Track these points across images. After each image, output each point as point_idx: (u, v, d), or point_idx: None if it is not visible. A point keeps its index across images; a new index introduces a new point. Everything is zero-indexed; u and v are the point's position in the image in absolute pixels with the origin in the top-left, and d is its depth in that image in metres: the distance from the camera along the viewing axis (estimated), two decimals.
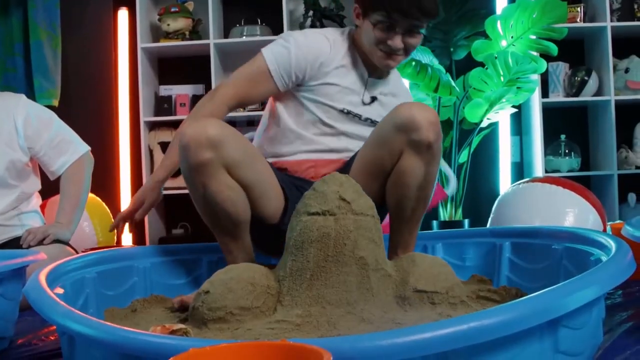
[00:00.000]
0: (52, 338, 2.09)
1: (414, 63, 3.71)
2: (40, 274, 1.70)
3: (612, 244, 1.68)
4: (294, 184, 2.20)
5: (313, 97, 2.24)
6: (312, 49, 2.21)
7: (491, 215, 3.18)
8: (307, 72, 2.21)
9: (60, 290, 1.71)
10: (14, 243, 2.77)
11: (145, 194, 2.25)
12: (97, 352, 1.35)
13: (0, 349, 1.93)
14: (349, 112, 2.26)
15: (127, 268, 2.26)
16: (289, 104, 2.28)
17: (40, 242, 2.70)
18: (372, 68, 2.29)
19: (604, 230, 2.86)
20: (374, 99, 2.31)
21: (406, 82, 3.99)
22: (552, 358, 1.27)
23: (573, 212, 2.87)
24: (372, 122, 2.29)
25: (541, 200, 2.93)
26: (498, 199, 3.26)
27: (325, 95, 2.24)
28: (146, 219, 4.37)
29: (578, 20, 4.40)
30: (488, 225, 3.20)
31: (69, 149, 2.92)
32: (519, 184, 3.16)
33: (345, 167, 2.21)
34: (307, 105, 2.25)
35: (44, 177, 2.99)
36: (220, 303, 1.71)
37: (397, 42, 2.14)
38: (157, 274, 2.32)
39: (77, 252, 2.79)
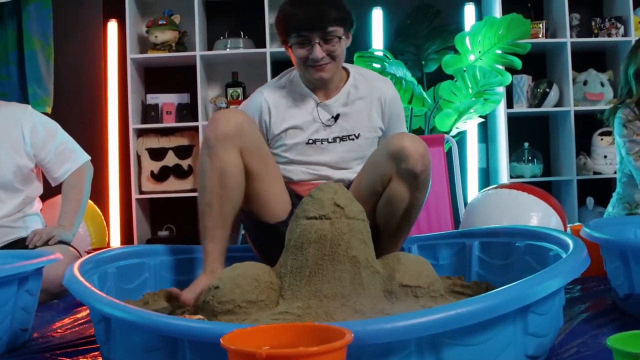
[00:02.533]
0: (68, 332, 2.20)
1: (389, 77, 3.84)
2: (74, 267, 1.88)
3: (569, 241, 1.88)
4: (297, 197, 2.37)
5: (281, 149, 2.43)
6: (252, 111, 2.42)
7: (462, 220, 3.33)
8: (263, 131, 2.41)
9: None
10: (19, 244, 2.88)
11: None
12: (137, 337, 1.51)
13: (22, 341, 2.04)
14: (314, 142, 2.42)
15: (140, 265, 2.42)
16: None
17: (46, 243, 2.82)
18: (319, 93, 2.43)
19: (565, 231, 3.04)
20: (337, 117, 2.43)
21: None
22: (523, 339, 1.47)
23: (537, 215, 3.00)
24: (343, 138, 2.44)
25: (508, 206, 3.05)
26: (468, 204, 3.40)
27: (289, 138, 2.42)
28: (134, 221, 4.51)
29: (540, 36, 4.55)
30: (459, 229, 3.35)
31: (71, 158, 3.04)
32: (487, 190, 3.26)
33: None
34: (282, 159, 2.44)
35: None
36: (229, 297, 1.86)
37: (316, 53, 2.26)
38: (165, 270, 2.48)
39: (78, 252, 2.94)
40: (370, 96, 2.47)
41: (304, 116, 2.42)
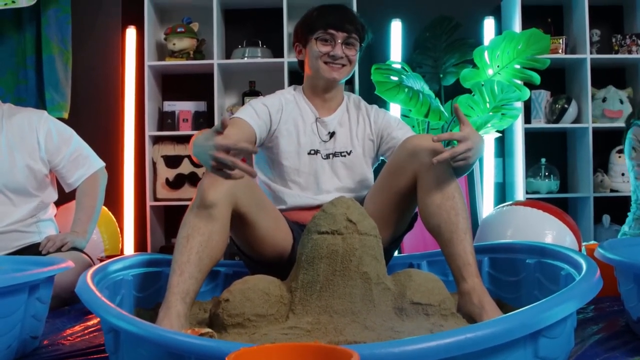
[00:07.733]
0: (78, 340, 2.20)
1: (406, 90, 3.85)
2: (88, 275, 1.88)
3: (581, 261, 1.87)
4: (299, 227, 2.40)
5: (277, 153, 2.54)
6: (271, 103, 2.55)
7: (476, 236, 3.32)
8: (267, 126, 2.52)
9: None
10: (32, 249, 2.89)
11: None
12: (144, 350, 1.50)
13: (32, 348, 2.05)
14: (315, 152, 2.55)
15: (156, 273, 2.43)
16: (264, 166, 2.61)
17: (59, 249, 2.83)
18: (319, 109, 2.60)
19: (579, 250, 3.03)
20: (332, 134, 2.58)
21: (398, 108, 4.19)
22: None
23: (551, 233, 3.01)
24: (336, 154, 2.57)
25: (522, 223, 3.05)
26: (482, 220, 3.40)
27: (285, 142, 2.54)
28: (148, 228, 4.52)
29: (560, 51, 4.52)
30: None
31: (85, 164, 3.06)
32: (502, 206, 3.27)
33: None
34: (275, 158, 2.55)
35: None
36: (239, 310, 1.86)
37: (337, 50, 2.49)
38: None
39: (91, 259, 2.95)
40: (358, 116, 2.64)
41: (306, 126, 2.57)
